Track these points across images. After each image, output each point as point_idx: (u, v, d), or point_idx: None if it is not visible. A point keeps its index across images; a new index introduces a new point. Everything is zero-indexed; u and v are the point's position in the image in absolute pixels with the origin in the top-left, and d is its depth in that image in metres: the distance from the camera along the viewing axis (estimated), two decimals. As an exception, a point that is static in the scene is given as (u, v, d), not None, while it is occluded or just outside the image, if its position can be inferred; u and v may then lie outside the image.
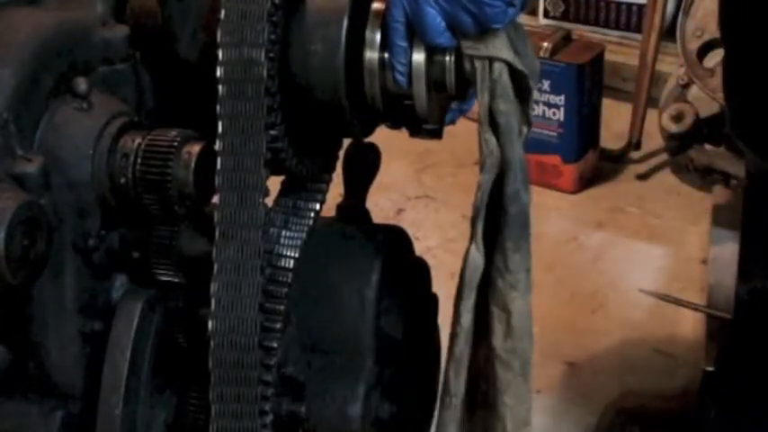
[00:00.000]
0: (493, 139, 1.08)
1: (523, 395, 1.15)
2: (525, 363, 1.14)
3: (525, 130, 1.09)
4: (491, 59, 1.05)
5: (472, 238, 1.10)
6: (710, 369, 1.91)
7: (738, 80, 1.54)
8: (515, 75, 1.07)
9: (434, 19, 1.02)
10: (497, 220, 1.10)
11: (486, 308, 1.13)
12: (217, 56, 1.00)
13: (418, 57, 1.05)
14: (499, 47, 1.05)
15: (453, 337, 1.14)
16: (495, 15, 1.02)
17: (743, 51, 1.50)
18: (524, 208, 1.10)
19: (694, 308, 2.16)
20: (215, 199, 1.02)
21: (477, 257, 1.10)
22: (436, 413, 1.36)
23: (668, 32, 2.63)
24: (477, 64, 1.06)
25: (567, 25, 3.04)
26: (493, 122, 1.07)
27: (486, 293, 1.13)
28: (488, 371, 1.15)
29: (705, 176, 2.52)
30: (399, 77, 1.05)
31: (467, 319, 1.12)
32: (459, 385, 1.14)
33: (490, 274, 1.12)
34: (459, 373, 1.14)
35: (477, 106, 1.08)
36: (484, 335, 1.14)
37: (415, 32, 1.04)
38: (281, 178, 1.13)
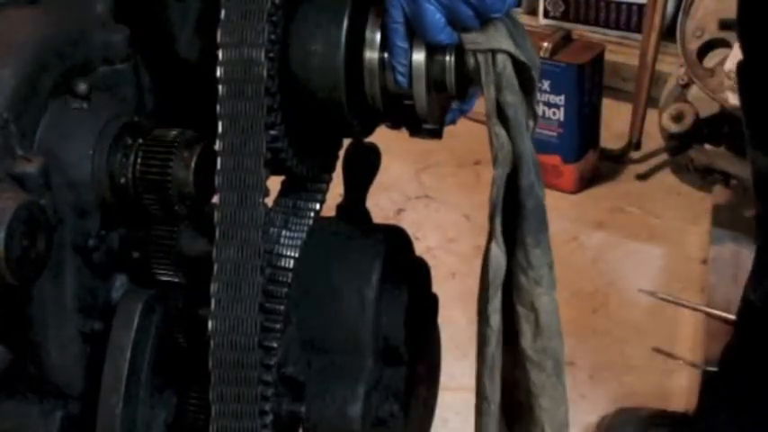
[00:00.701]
0: (503, 133, 1.06)
1: (560, 397, 1.12)
2: (557, 363, 1.11)
3: (532, 124, 1.08)
4: (493, 52, 1.05)
5: (491, 235, 1.08)
6: (710, 369, 1.91)
7: (755, 81, 1.53)
8: (518, 67, 1.06)
9: (434, 15, 1.02)
10: (514, 216, 1.08)
11: (511, 311, 1.10)
12: (217, 56, 1.00)
13: (418, 57, 1.05)
14: (500, 39, 1.04)
15: (483, 340, 1.10)
16: (494, 3, 1.02)
17: (760, 51, 1.50)
18: (540, 201, 1.08)
19: (694, 308, 2.16)
20: (215, 199, 1.02)
21: (500, 255, 1.08)
22: (438, 412, 1.37)
23: (668, 32, 2.64)
24: (480, 58, 1.05)
25: (567, 25, 3.04)
26: (501, 115, 1.06)
27: (509, 295, 1.10)
28: (520, 377, 1.12)
29: (705, 176, 2.52)
30: (400, 78, 1.05)
31: (495, 320, 1.08)
32: (494, 390, 1.11)
33: (512, 272, 1.09)
34: (493, 377, 1.10)
35: (484, 101, 1.07)
36: (510, 340, 1.11)
37: (415, 32, 1.04)
38: (281, 178, 1.13)
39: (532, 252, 1.09)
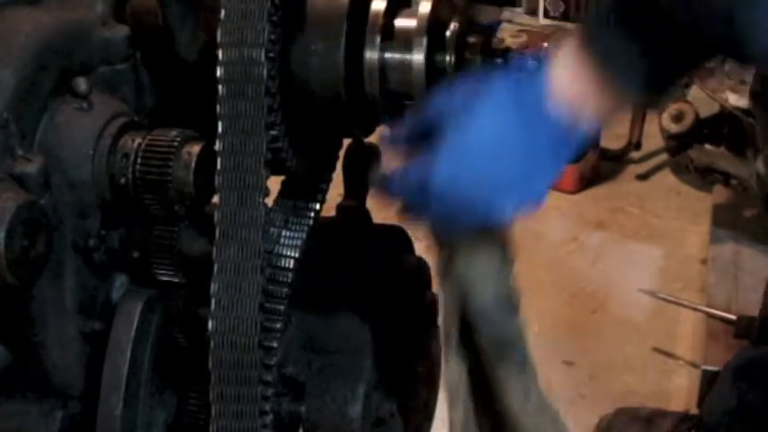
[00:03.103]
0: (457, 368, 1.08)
1: (526, 386, 1.14)
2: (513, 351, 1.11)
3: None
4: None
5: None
6: (710, 369, 1.92)
7: None
8: None
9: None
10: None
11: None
12: (217, 56, 1.00)
13: (418, 57, 1.05)
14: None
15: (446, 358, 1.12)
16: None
17: None
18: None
19: (694, 308, 2.16)
20: (215, 199, 1.02)
21: (457, 369, 1.09)
22: (438, 412, 1.37)
23: (668, 32, 2.63)
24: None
25: (567, 25, 3.04)
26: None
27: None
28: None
29: (705, 176, 2.52)
30: None
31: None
32: (461, 385, 1.13)
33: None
34: (459, 373, 1.12)
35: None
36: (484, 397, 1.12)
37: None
38: (281, 178, 1.13)
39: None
